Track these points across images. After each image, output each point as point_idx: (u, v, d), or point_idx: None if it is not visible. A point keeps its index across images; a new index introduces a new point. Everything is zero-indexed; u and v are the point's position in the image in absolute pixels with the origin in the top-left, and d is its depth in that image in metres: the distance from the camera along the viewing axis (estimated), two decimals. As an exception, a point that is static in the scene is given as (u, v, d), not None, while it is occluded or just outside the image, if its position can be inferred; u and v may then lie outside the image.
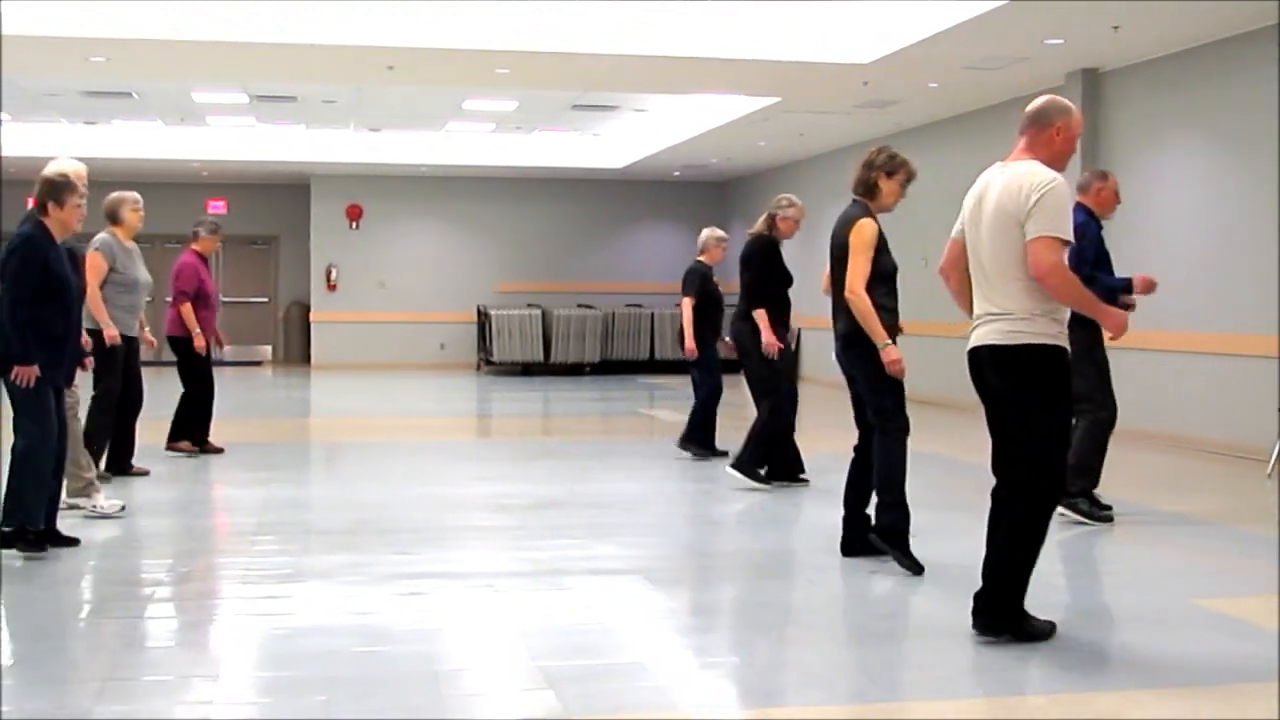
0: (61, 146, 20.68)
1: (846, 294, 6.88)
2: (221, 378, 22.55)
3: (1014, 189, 5.34)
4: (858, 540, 7.05)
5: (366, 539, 7.77)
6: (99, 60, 13.53)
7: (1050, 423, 5.39)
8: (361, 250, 25.02)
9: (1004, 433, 5.49)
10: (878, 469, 6.95)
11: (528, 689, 4.87)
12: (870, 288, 6.85)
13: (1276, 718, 4.58)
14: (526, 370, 23.43)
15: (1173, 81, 12.74)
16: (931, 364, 14.64)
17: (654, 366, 23.39)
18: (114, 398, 9.82)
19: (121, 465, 10.06)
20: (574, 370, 23.37)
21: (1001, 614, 5.38)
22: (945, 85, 14.63)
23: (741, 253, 9.82)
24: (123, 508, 8.43)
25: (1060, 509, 8.52)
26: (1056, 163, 5.47)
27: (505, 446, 13.64)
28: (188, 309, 11.25)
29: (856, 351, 6.94)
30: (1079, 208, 8.37)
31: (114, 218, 10.06)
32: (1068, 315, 5.45)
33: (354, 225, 25.06)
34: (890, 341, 6.83)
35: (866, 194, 7.07)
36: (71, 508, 8.06)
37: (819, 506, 7.27)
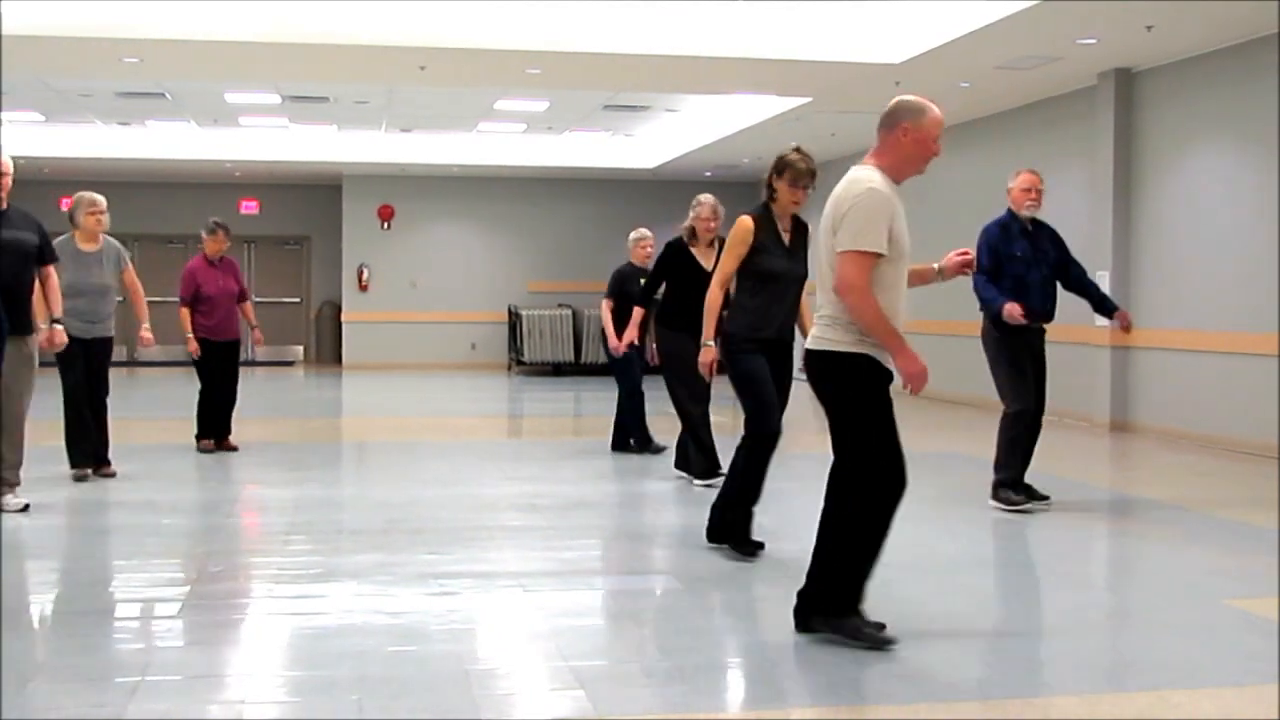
0: (95, 147, 20.93)
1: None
2: (253, 378, 22.82)
3: (837, 195, 5.29)
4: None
5: (398, 539, 7.79)
6: (132, 61, 13.60)
7: (864, 428, 5.27)
8: (393, 250, 25.09)
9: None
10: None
11: (559, 689, 4.87)
12: (745, 288, 7.08)
13: (1276, 718, 4.57)
14: (557, 370, 23.45)
15: (1206, 82, 12.68)
16: (945, 362, 14.59)
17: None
18: (74, 396, 9.74)
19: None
20: (605, 370, 23.28)
21: (829, 611, 5.37)
22: (977, 85, 14.59)
23: None
24: (26, 506, 8.41)
25: (990, 501, 8.67)
26: (907, 167, 5.35)
27: (536, 447, 13.65)
28: (182, 314, 11.49)
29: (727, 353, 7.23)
30: (1007, 210, 8.74)
31: (73, 220, 10.01)
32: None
33: (386, 225, 25.13)
34: (710, 342, 7.17)
35: (768, 196, 7.23)
36: None
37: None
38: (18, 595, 6.44)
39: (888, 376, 5.31)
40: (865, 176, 5.28)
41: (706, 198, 9.63)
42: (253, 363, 26.26)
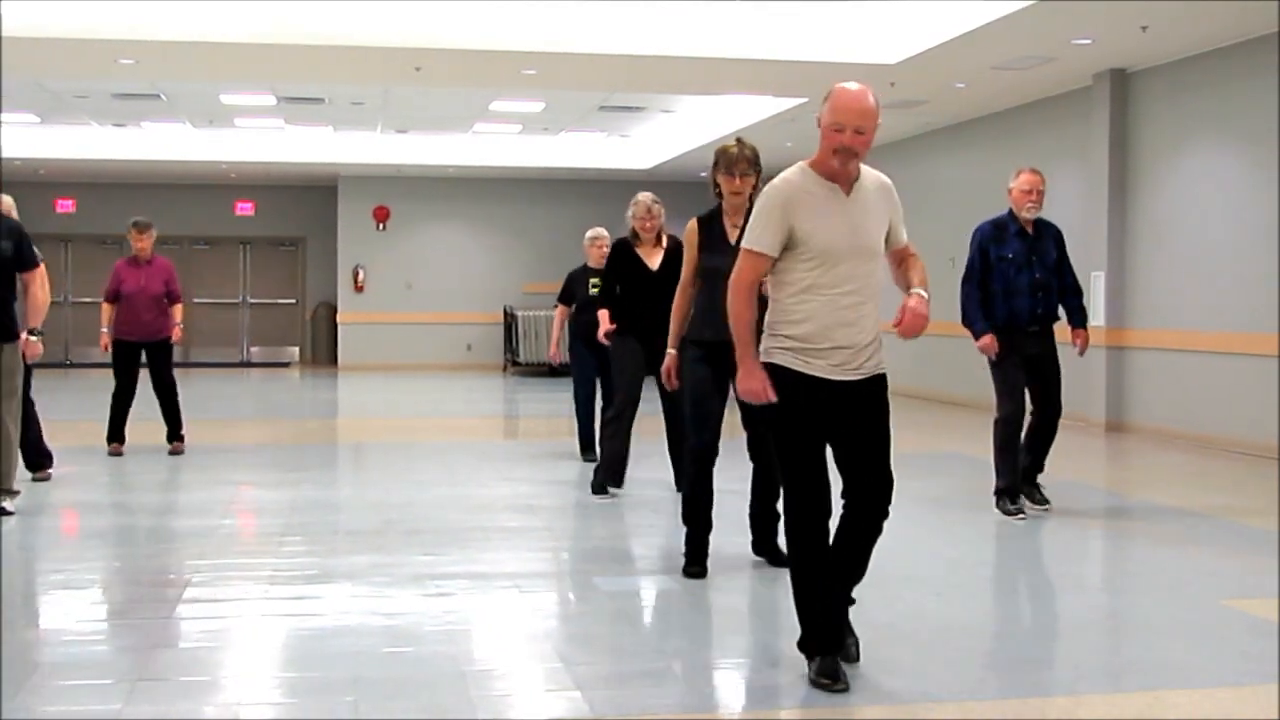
0: (91, 148, 20.91)
1: None
2: (248, 379, 22.79)
3: None
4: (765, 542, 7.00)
5: (394, 540, 7.78)
6: (128, 62, 13.58)
7: (777, 437, 5.06)
8: (389, 251, 25.08)
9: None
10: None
11: (555, 689, 4.86)
12: (697, 290, 6.77)
13: (1276, 718, 4.57)
14: (553, 371, 23.42)
15: (1201, 82, 12.68)
16: (945, 363, 14.59)
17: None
18: None
19: None
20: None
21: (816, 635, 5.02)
22: (973, 85, 14.59)
23: None
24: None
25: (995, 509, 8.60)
26: (827, 159, 4.87)
27: (532, 447, 13.64)
28: (101, 309, 11.69)
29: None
30: (1008, 209, 8.54)
31: None
32: (797, 329, 4.92)
33: (381, 226, 25.12)
34: (673, 350, 6.82)
35: (715, 193, 6.93)
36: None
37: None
38: (15, 597, 6.43)
39: (813, 387, 4.91)
40: (782, 173, 5.05)
41: (642, 196, 9.58)
42: (249, 364, 26.31)
